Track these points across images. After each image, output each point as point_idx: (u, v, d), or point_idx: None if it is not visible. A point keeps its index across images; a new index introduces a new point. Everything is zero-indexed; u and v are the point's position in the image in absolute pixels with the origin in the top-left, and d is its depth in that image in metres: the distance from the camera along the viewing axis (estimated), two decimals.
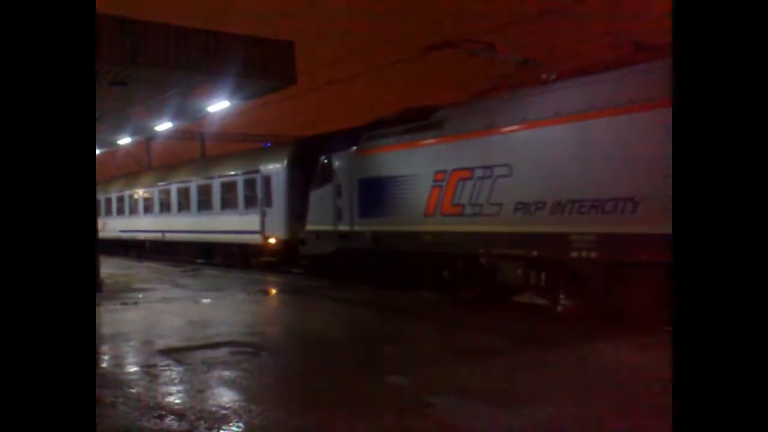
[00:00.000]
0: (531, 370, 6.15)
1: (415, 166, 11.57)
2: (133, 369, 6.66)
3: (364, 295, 12.22)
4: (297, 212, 16.00)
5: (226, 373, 6.19)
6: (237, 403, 5.19)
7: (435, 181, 11.07)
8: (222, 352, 7.19)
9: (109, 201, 29.57)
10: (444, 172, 10.89)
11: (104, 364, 7.09)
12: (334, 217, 13.65)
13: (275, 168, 17.72)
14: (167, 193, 23.89)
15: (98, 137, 15.96)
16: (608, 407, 4.93)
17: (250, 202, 18.61)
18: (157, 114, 18.08)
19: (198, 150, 38.97)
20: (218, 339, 7.96)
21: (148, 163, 37.65)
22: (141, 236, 26.39)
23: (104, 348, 7.94)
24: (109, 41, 11.78)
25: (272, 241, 17.58)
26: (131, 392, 5.59)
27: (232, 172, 19.92)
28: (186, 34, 12.84)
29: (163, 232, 24.11)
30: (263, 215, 17.90)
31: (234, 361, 6.75)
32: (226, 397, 5.42)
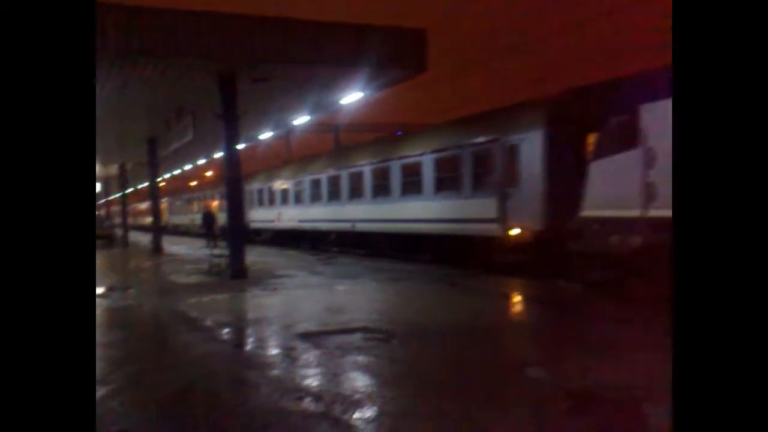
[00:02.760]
0: None
1: None
2: (274, 351, 7.08)
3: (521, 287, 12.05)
4: (559, 193, 12.21)
5: (360, 358, 6.39)
6: (370, 388, 5.33)
7: None
8: (355, 338, 7.42)
9: (285, 190, 27.54)
10: None
11: (248, 347, 7.59)
12: (641, 197, 9.68)
13: (526, 134, 13.39)
14: (359, 176, 20.80)
15: (242, 133, 16.98)
16: None
17: (481, 181, 14.86)
18: (296, 108, 18.96)
19: (331, 142, 40.44)
20: (352, 325, 8.22)
21: (288, 155, 39.58)
22: (323, 226, 23.75)
23: (249, 331, 8.52)
24: (261, 40, 12.58)
25: (516, 232, 13.60)
26: (273, 374, 5.92)
27: (453, 144, 15.95)
28: (331, 28, 13.34)
29: (352, 221, 21.26)
30: (504, 198, 13.97)
31: (366, 347, 6.94)
32: (359, 382, 5.59)
